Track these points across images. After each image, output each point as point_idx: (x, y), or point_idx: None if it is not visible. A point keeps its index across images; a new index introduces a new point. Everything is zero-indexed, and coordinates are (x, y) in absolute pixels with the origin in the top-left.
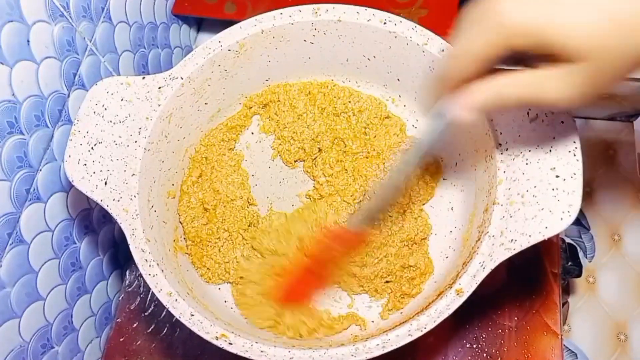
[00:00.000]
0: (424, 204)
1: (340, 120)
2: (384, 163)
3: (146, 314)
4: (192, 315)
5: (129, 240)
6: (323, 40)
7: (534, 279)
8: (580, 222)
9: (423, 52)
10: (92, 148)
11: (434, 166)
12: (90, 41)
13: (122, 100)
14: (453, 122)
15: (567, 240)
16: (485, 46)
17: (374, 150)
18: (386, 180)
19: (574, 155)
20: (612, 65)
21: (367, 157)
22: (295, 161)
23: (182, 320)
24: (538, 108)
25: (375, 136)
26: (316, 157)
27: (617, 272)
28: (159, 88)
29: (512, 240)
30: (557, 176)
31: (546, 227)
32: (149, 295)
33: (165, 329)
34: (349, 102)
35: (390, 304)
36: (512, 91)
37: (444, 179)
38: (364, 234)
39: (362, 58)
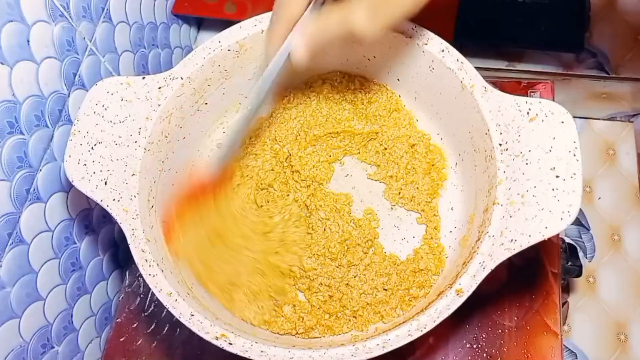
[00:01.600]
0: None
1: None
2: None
3: (146, 314)
4: (192, 315)
5: (129, 240)
6: None
7: (534, 279)
8: (580, 222)
9: (423, 52)
10: (92, 148)
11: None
12: (91, 41)
13: (122, 100)
14: (294, 62)
15: (567, 240)
16: None
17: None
18: (240, 116)
19: (574, 155)
20: None
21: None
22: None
23: (182, 320)
24: (353, 38)
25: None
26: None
27: (617, 272)
28: (159, 88)
29: (512, 240)
30: (557, 176)
31: (546, 227)
32: (149, 296)
33: (165, 329)
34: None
35: (398, 307)
36: (331, 28)
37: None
38: (227, 171)
39: (362, 58)
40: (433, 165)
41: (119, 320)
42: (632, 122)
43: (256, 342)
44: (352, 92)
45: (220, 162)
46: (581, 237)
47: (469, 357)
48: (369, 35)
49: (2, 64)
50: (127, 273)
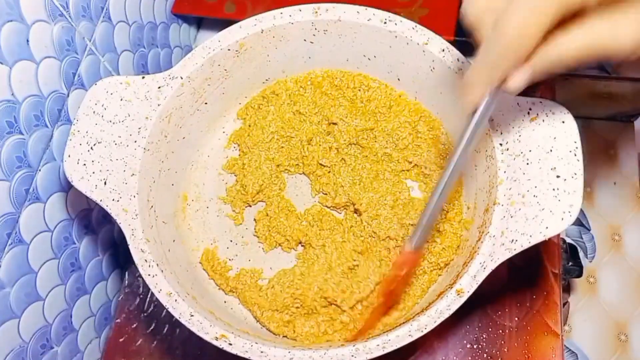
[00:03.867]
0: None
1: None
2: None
3: (146, 314)
4: (192, 315)
5: (129, 241)
6: (323, 39)
7: (535, 279)
8: (580, 222)
9: (423, 51)
10: (91, 148)
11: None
12: (90, 41)
13: (121, 100)
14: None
15: (568, 240)
16: (543, 15)
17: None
18: (438, 190)
19: (575, 155)
20: None
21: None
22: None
23: (182, 320)
24: (607, 58)
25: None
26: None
27: (618, 272)
28: (159, 88)
29: (512, 240)
30: (558, 176)
31: (547, 227)
32: (149, 296)
33: (165, 329)
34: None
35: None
36: (577, 45)
37: None
38: (423, 249)
39: (363, 58)
40: (437, 138)
41: (118, 320)
42: (633, 121)
43: (256, 343)
44: (351, 90)
45: (419, 242)
46: (582, 237)
47: (470, 358)
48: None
49: (2, 63)
50: (126, 273)
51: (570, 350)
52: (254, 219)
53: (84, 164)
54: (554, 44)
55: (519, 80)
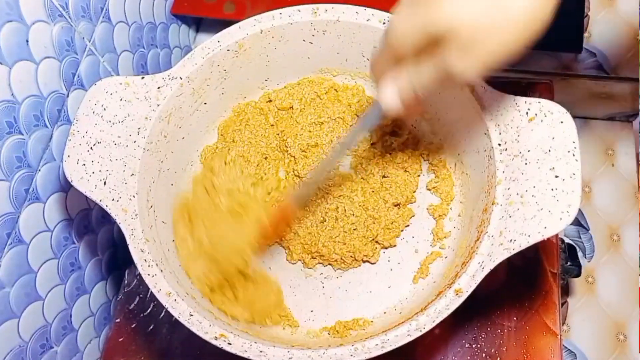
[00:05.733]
0: (415, 174)
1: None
2: None
3: (145, 314)
4: (191, 315)
5: (128, 240)
6: (322, 40)
7: (533, 279)
8: (579, 222)
9: None
10: (91, 148)
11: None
12: (90, 41)
13: (121, 100)
14: (385, 112)
15: (566, 240)
16: (421, 31)
17: None
18: (326, 159)
19: (573, 155)
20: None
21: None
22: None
23: (181, 320)
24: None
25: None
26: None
27: (616, 272)
28: (158, 88)
29: (511, 240)
30: (556, 176)
31: (545, 227)
32: (148, 295)
33: (165, 329)
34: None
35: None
36: (426, 77)
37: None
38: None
39: (362, 58)
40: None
41: (118, 320)
42: (631, 122)
43: (255, 342)
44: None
45: (302, 198)
46: (580, 237)
47: (468, 357)
48: (468, 77)
49: (1, 64)
50: (126, 273)
51: (568, 350)
52: None
53: (84, 164)
54: (411, 73)
55: (390, 99)
